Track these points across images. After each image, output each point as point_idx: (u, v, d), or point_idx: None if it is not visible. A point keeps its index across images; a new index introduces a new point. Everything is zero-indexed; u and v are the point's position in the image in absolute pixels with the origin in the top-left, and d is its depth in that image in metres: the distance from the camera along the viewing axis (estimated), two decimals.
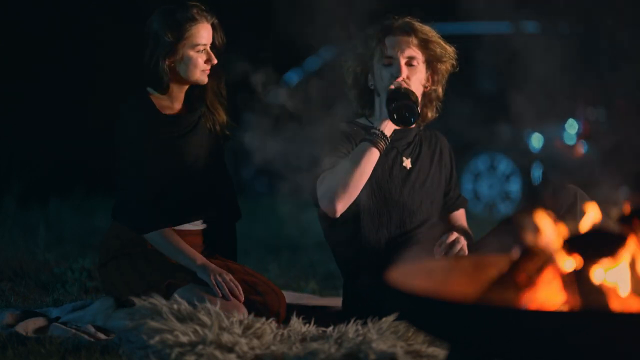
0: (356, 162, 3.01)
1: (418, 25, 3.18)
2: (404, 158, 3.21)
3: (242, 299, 2.97)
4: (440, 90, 3.23)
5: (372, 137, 3.04)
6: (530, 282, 1.95)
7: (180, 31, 3.07)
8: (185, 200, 3.13)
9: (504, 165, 7.72)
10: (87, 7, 9.21)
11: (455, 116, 7.66)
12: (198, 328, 2.62)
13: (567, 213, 3.01)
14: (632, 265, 1.95)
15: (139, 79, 3.16)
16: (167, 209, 3.09)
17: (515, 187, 7.63)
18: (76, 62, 9.20)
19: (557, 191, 3.10)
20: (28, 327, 2.97)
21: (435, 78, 3.20)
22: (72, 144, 8.72)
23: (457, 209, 3.33)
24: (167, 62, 3.08)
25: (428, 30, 3.18)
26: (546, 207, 2.76)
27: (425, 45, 3.15)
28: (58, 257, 4.58)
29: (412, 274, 2.08)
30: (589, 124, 7.44)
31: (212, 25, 3.14)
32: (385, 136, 3.05)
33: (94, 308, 3.10)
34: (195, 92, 3.19)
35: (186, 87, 3.18)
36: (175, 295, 2.87)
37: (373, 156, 3.03)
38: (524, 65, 7.71)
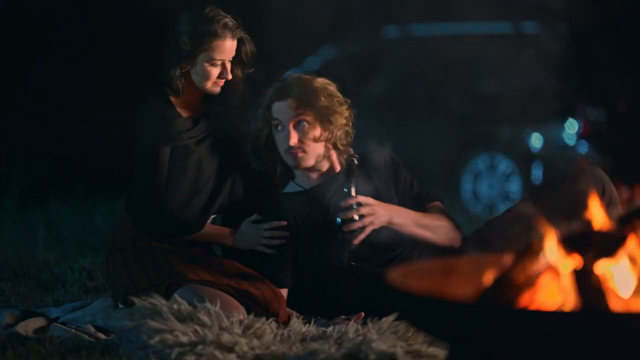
0: None
1: (297, 83, 3.14)
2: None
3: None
4: (345, 131, 3.19)
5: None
6: (530, 282, 1.95)
7: (199, 43, 3.05)
8: (203, 208, 3.15)
9: (504, 165, 7.72)
10: (87, 8, 9.21)
11: (455, 116, 7.68)
12: (198, 328, 2.62)
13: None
14: (632, 264, 1.95)
15: (155, 79, 3.14)
16: (182, 217, 3.12)
17: (515, 187, 7.63)
18: (76, 62, 9.19)
19: (577, 175, 3.06)
20: (28, 327, 2.97)
21: (332, 128, 3.14)
22: (72, 144, 8.72)
23: (428, 202, 3.24)
24: (179, 68, 3.08)
25: (307, 85, 3.14)
26: (563, 193, 2.74)
27: (306, 103, 3.12)
28: (58, 257, 4.58)
29: (412, 274, 2.08)
30: (589, 124, 7.44)
31: (239, 39, 3.13)
32: None
33: (93, 308, 3.10)
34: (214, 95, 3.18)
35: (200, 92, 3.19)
36: (175, 295, 2.87)
37: None
38: (523, 65, 7.73)
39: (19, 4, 9.11)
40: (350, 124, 3.21)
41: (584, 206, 1.96)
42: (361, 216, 3.01)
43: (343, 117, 3.17)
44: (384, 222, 3.06)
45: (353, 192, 3.03)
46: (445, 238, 3.16)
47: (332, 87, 3.20)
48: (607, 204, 2.98)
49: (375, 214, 3.03)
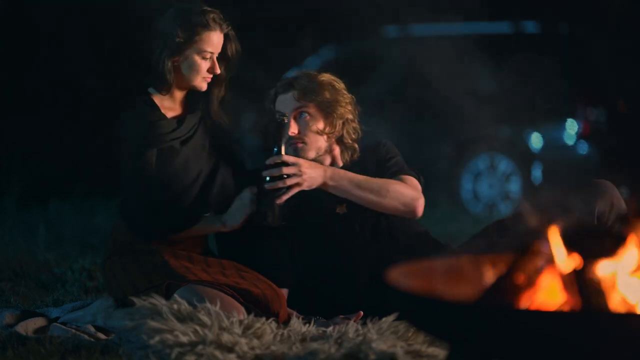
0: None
1: (302, 77, 3.16)
2: (337, 205, 3.19)
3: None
4: (353, 127, 3.19)
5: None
6: (530, 282, 1.95)
7: (191, 34, 3.06)
8: (192, 207, 3.14)
9: (504, 165, 7.72)
10: (87, 8, 9.22)
11: (455, 116, 7.68)
12: (198, 328, 2.62)
13: (604, 211, 2.98)
14: (632, 264, 1.95)
15: (142, 79, 3.15)
16: (173, 218, 3.11)
17: (515, 187, 7.64)
18: (76, 62, 9.20)
19: (585, 187, 3.06)
20: (28, 327, 2.97)
21: (335, 122, 3.15)
22: (72, 144, 8.72)
23: (396, 175, 3.18)
24: (171, 61, 3.08)
25: (312, 78, 3.16)
26: (569, 203, 2.74)
27: (309, 95, 3.13)
28: (58, 257, 4.58)
29: (412, 274, 2.08)
30: (589, 124, 7.45)
31: (226, 35, 3.14)
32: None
33: (93, 308, 3.10)
34: (197, 93, 3.19)
35: (186, 90, 3.18)
36: (175, 295, 2.87)
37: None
38: (523, 65, 7.73)
39: (18, 5, 9.11)
40: (357, 120, 3.21)
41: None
42: (289, 176, 3.01)
43: (348, 112, 3.17)
44: (315, 184, 3.06)
45: (283, 151, 3.03)
46: (398, 203, 3.10)
47: (339, 84, 3.20)
48: (615, 219, 2.97)
49: (304, 175, 3.02)
